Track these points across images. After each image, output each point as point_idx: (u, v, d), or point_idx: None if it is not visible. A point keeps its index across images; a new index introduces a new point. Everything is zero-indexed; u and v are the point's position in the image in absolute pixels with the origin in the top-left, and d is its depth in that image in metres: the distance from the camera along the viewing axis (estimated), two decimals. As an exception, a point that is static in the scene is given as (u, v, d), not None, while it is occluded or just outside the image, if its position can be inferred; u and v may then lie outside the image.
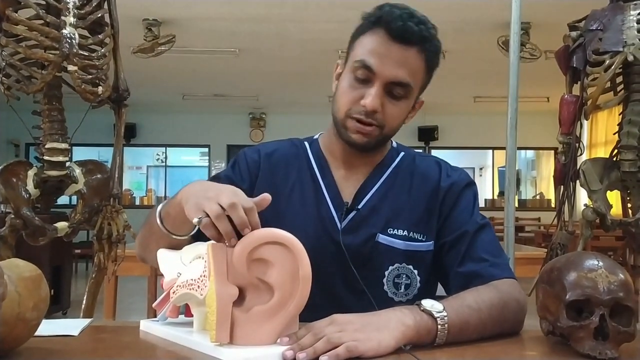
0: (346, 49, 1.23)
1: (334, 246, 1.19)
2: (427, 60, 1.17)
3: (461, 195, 1.24)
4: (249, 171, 1.28)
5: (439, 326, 0.95)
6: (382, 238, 1.20)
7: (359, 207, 1.22)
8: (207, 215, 0.90)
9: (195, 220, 0.91)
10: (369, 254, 1.20)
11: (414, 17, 1.14)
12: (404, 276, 1.21)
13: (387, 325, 0.92)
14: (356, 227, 1.21)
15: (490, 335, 1.03)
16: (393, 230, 1.21)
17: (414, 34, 1.13)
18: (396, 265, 1.20)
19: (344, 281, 1.19)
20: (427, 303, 0.98)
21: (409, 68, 1.14)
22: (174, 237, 1.06)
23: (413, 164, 1.29)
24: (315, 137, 1.36)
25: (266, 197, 0.95)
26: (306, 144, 1.33)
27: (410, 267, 1.21)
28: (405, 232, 1.21)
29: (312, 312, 0.94)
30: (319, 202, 1.23)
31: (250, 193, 1.18)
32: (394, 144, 1.32)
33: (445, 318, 0.96)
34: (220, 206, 0.90)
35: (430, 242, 1.22)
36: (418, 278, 1.21)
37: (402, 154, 1.31)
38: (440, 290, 1.26)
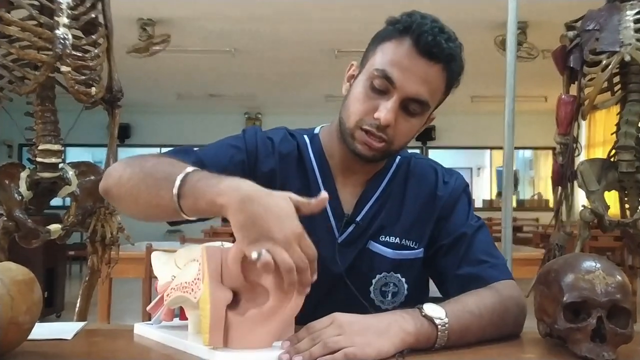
0: (364, 50, 1.15)
1: (328, 257, 1.14)
2: (448, 80, 1.12)
3: (458, 201, 1.22)
4: (257, 154, 1.18)
5: (439, 333, 0.94)
6: (373, 245, 1.18)
7: (358, 219, 1.18)
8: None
9: (254, 255, 0.83)
10: (359, 263, 1.17)
11: (444, 33, 1.08)
12: (392, 284, 1.18)
13: (388, 331, 0.90)
14: (353, 240, 1.18)
15: (489, 339, 1.01)
16: (385, 238, 1.18)
17: (442, 51, 1.07)
18: (384, 274, 1.18)
19: (332, 290, 1.15)
20: (429, 308, 0.96)
21: (430, 85, 1.09)
22: (184, 217, 0.93)
23: (408, 168, 1.24)
24: (316, 131, 1.27)
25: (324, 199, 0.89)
26: (306, 139, 1.24)
27: (398, 275, 1.18)
28: (398, 240, 1.18)
29: (305, 315, 0.93)
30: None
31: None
32: None
33: (446, 325, 0.94)
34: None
35: (421, 250, 1.20)
36: (405, 286, 1.19)
37: (398, 157, 1.26)
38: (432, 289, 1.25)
